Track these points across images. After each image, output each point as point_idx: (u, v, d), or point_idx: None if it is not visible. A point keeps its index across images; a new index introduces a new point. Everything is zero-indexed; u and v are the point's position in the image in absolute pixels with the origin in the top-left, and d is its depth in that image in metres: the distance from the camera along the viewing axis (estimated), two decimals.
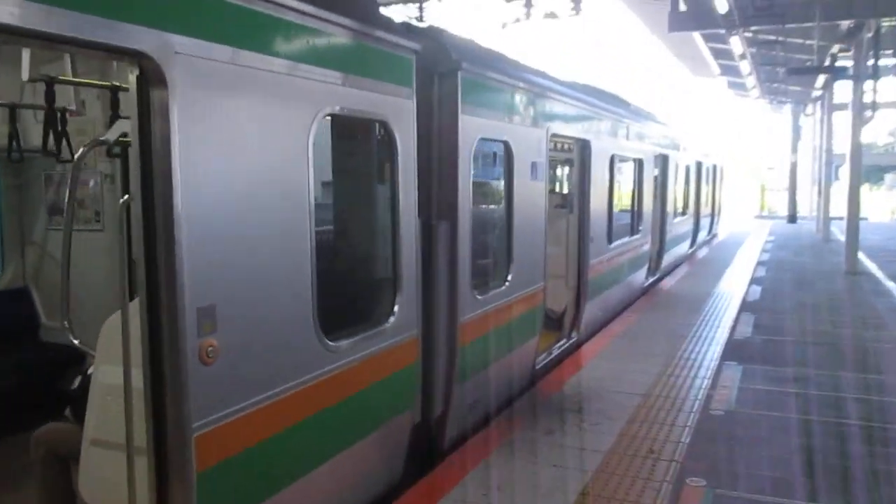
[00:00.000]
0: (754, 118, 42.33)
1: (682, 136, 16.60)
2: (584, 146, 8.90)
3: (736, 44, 19.72)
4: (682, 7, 14.67)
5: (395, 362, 4.70)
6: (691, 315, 10.64)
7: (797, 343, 9.04)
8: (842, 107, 24.78)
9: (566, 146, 10.31)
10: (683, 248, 17.80)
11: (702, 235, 21.26)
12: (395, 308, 4.70)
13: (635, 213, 12.12)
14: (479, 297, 5.86)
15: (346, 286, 4.84)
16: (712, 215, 23.86)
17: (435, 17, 15.24)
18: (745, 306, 11.43)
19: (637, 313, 10.81)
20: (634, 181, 12.02)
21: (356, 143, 4.92)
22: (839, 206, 25.68)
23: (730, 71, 25.07)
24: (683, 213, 17.55)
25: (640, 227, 12.20)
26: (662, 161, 14.46)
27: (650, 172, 12.83)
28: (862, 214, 17.28)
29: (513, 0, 14.47)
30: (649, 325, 9.95)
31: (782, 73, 21.52)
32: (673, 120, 16.13)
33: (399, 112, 4.62)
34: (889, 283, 13.94)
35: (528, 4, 14.32)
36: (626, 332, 9.51)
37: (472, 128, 5.63)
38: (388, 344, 4.58)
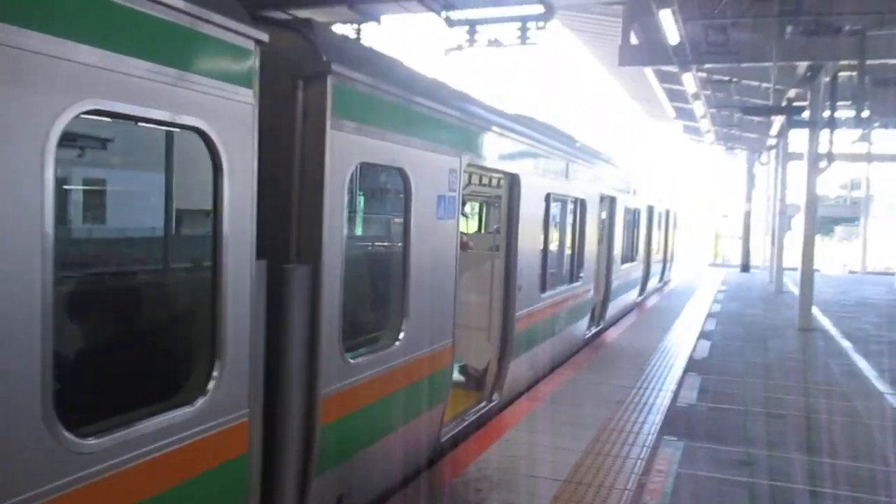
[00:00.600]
0: (709, 164, 42.23)
1: (633, 178, 15.74)
2: (513, 181, 7.82)
3: (689, 82, 19.05)
4: (634, 41, 13.86)
5: (207, 457, 3.45)
6: (631, 374, 9.54)
7: (746, 414, 7.98)
8: (797, 156, 24.42)
9: (495, 181, 9.25)
10: (632, 295, 16.85)
11: (653, 283, 20.42)
12: (211, 383, 3.46)
13: (576, 258, 11.08)
14: (352, 362, 4.65)
15: (114, 356, 3.58)
16: (664, 262, 23.09)
17: (375, 41, 14.25)
18: (692, 365, 10.40)
19: (572, 370, 9.68)
20: (576, 224, 11.00)
21: (146, 155, 3.72)
22: (792, 257, 25.28)
23: (685, 114, 24.54)
24: (632, 260, 16.64)
25: (582, 274, 11.15)
26: (610, 203, 13.52)
27: (595, 214, 11.84)
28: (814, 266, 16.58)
29: (455, 26, 13.51)
30: (583, 387, 8.82)
31: (737, 118, 21.00)
32: (625, 161, 15.29)
33: (227, 120, 3.44)
34: (843, 343, 13.09)
35: (472, 31, 13.37)
36: (555, 395, 8.35)
37: (349, 149, 4.48)
38: (192, 433, 3.33)
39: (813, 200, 14.89)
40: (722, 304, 18.53)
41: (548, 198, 9.07)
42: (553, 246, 9.89)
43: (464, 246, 8.10)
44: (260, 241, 3.74)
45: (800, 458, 6.48)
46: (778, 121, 22.25)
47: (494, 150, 7.15)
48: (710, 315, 16.15)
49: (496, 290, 7.86)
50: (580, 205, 11.00)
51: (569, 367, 9.90)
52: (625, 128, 41.13)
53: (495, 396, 7.84)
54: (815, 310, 15.47)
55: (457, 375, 8.69)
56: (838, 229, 59.10)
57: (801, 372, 10.38)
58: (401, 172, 5.21)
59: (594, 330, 12.94)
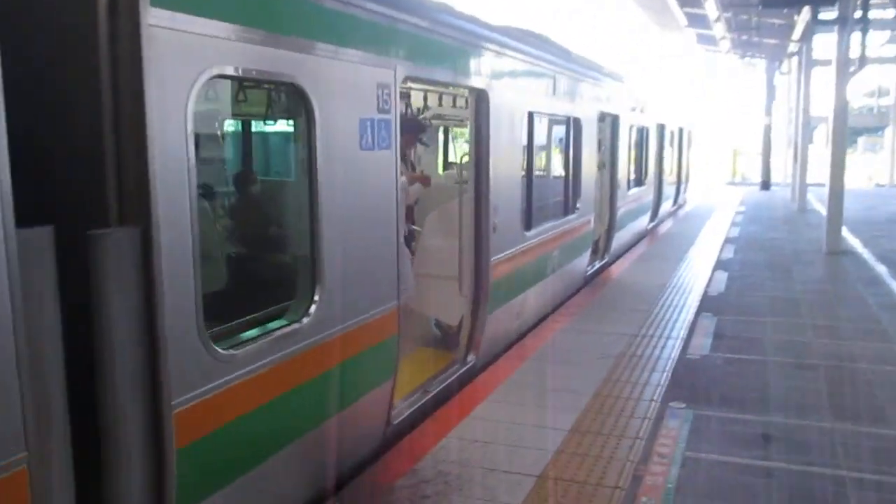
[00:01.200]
0: (727, 77, 39.94)
1: (640, 95, 14.12)
2: (480, 99, 6.40)
3: None
4: None
5: None
6: (636, 319, 8.27)
7: (770, 366, 6.70)
8: (822, 63, 22.44)
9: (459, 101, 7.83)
10: (642, 223, 15.43)
11: (665, 207, 18.94)
12: None
13: (572, 187, 9.67)
14: (227, 354, 3.40)
15: None
16: (678, 183, 21.55)
17: None
18: (707, 304, 9.09)
19: (566, 318, 8.42)
20: (569, 147, 9.55)
21: None
22: (815, 173, 23.66)
23: (697, 21, 22.48)
24: (641, 184, 15.16)
25: (579, 205, 9.77)
26: (612, 123, 12.00)
27: (593, 136, 10.36)
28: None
29: None
30: (576, 338, 7.57)
31: (755, 21, 19.08)
32: (631, 76, 13.66)
33: None
34: (879, 268, 11.69)
35: None
36: (543, 352, 7.11)
37: (188, 51, 3.11)
38: None
39: (843, 108, 13.24)
40: (741, 228, 17.07)
41: (530, 118, 7.64)
42: (540, 175, 8.52)
43: (424, 181, 6.75)
44: (43, 199, 2.46)
45: (839, 428, 5.22)
46: (801, 22, 20.27)
47: (450, 60, 5.71)
48: (727, 241, 14.74)
49: (466, 232, 6.54)
50: (574, 125, 9.54)
51: (563, 314, 8.64)
52: (634, 42, 38.61)
53: (470, 358, 6.62)
54: (843, 230, 14.01)
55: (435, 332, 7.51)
56: (861, 140, 56.60)
57: (832, 307, 9.05)
58: (294, 89, 3.83)
59: (597, 265, 11.64)
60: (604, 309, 8.87)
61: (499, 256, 6.79)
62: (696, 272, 11.25)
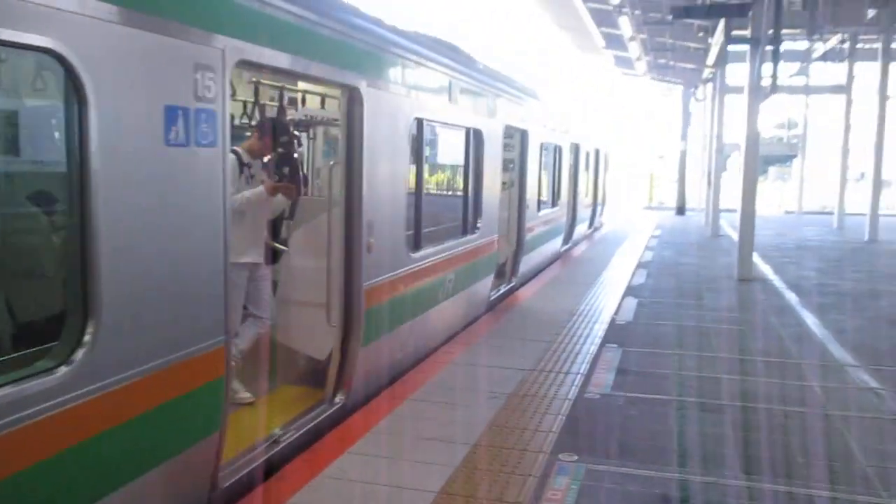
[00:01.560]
0: (644, 102, 40.45)
1: (554, 112, 13.58)
2: (352, 98, 5.53)
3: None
4: None
5: None
6: (535, 352, 7.51)
7: (674, 407, 6.01)
8: (735, 90, 22.61)
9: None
10: (555, 245, 14.86)
11: (580, 229, 18.52)
12: None
13: (471, 204, 8.90)
14: None
15: None
16: (594, 206, 21.23)
17: None
18: (613, 334, 8.43)
19: (459, 349, 7.60)
20: (469, 161, 8.79)
21: None
22: (729, 199, 23.80)
23: (614, 43, 22.35)
24: (554, 205, 14.59)
25: (480, 224, 9.00)
26: (521, 138, 11.36)
27: (496, 150, 9.64)
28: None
29: None
30: (465, 375, 6.74)
31: (670, 44, 18.97)
32: (544, 92, 13.10)
33: None
34: (789, 295, 11.36)
35: None
36: (423, 392, 6.23)
37: None
38: None
39: (754, 133, 12.99)
40: (654, 252, 16.75)
41: (419, 124, 6.83)
42: (432, 190, 7.72)
43: (287, 191, 5.83)
44: None
45: (751, 487, 4.51)
46: (716, 45, 20.31)
47: (311, 47, 4.83)
48: (640, 265, 14.30)
49: (335, 253, 5.64)
50: (475, 137, 8.79)
51: (458, 343, 7.82)
52: (552, 62, 38.50)
53: (339, 398, 5.70)
54: (754, 256, 13.74)
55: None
56: (772, 170, 58.60)
57: (743, 338, 8.52)
58: (58, 59, 2.87)
59: (504, 289, 10.91)
60: (503, 338, 8.09)
61: (375, 281, 5.92)
62: (606, 298, 10.64)
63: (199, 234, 3.75)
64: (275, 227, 6.22)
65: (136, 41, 3.24)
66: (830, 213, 30.98)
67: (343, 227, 5.58)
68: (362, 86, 5.50)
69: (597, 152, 20.86)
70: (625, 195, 35.70)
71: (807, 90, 28.22)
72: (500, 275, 10.95)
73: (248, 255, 5.56)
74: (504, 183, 10.70)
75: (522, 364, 7.03)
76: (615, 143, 27.31)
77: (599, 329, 8.65)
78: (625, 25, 18.05)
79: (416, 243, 6.95)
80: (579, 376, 6.71)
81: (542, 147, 12.68)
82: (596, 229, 22.11)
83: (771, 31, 12.53)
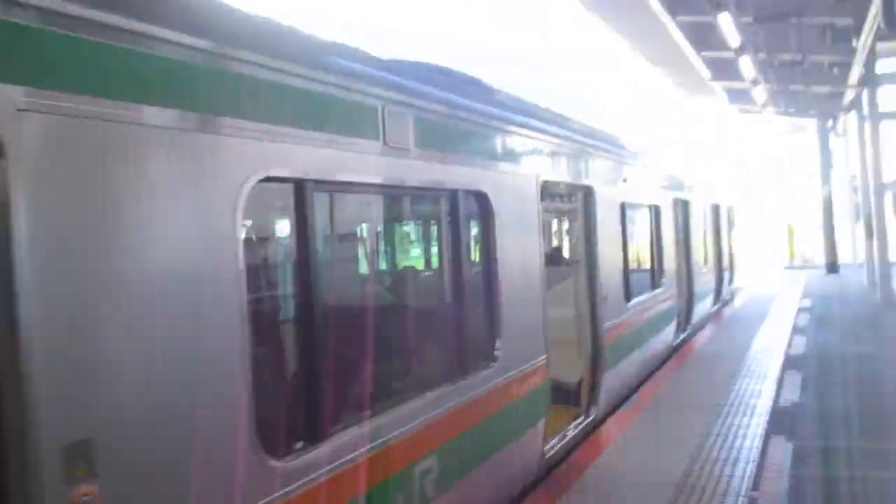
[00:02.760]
0: (774, 145, 35.17)
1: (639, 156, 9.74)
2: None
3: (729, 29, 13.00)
4: None
5: None
6: None
7: None
8: (890, 116, 17.83)
9: None
10: (660, 341, 10.68)
11: (701, 308, 14.09)
12: None
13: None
14: None
15: None
16: (719, 274, 16.68)
17: None
18: None
19: None
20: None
21: None
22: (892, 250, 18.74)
23: (725, 71, 18.14)
24: (655, 287, 10.51)
25: (498, 352, 5.26)
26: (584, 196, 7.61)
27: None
28: None
29: None
30: None
31: (800, 64, 14.72)
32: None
33: None
34: None
35: None
36: None
37: None
38: None
39: None
40: (807, 337, 12.07)
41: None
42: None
43: None
44: None
45: None
46: (858, 66, 15.82)
47: None
48: (788, 364, 9.85)
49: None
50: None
51: None
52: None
53: None
54: None
55: None
56: None
57: None
58: None
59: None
60: None
61: None
62: (737, 447, 6.47)
63: None
64: None
65: None
66: None
67: None
68: None
69: (715, 208, 16.57)
70: (760, 254, 30.36)
71: None
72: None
73: None
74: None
75: None
76: (739, 194, 22.73)
77: None
78: (744, 63, 13.87)
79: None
80: None
81: (624, 208, 8.83)
82: (726, 303, 17.55)
83: None
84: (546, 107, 6.86)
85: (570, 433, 6.95)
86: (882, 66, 17.39)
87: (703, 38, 15.47)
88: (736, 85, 19.05)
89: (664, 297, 10.86)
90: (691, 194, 13.36)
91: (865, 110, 17.43)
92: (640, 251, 10.28)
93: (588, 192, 7.59)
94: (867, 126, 17.62)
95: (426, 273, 5.56)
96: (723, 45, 14.59)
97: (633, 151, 9.58)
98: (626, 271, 9.02)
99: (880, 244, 16.75)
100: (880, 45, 15.87)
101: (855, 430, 6.74)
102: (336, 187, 3.91)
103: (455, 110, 4.89)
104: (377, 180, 4.11)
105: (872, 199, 17.38)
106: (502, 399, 5.34)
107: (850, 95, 19.01)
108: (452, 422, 4.62)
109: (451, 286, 5.00)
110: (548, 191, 8.47)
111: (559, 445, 6.59)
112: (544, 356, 6.10)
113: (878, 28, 10.90)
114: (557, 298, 8.08)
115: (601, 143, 8.07)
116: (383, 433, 3.90)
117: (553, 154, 6.51)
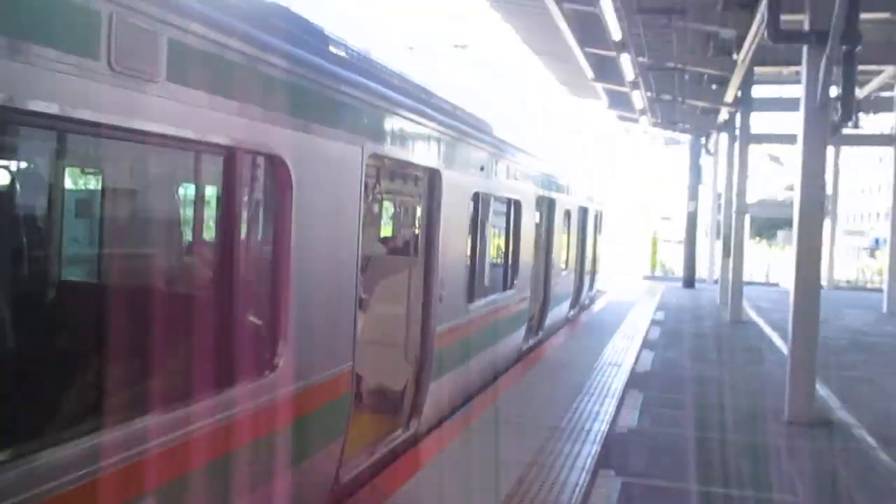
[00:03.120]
0: (647, 156, 35.94)
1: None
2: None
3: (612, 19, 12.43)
4: None
5: None
6: None
7: None
8: (760, 138, 18.09)
9: None
10: (511, 343, 9.94)
11: (556, 315, 13.56)
12: None
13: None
14: None
15: None
16: (579, 280, 16.33)
17: None
18: None
19: None
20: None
21: None
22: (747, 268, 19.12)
23: (607, 72, 17.80)
24: (506, 288, 9.74)
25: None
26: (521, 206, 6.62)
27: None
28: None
29: None
30: None
31: (679, 80, 14.46)
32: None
33: None
34: (882, 457, 6.44)
35: None
36: None
37: None
38: None
39: (817, 182, 8.23)
40: (655, 353, 11.73)
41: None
42: None
43: None
44: None
45: None
46: (734, 88, 15.78)
47: None
48: (631, 383, 9.30)
49: None
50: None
51: None
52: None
53: None
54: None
55: None
56: (781, 234, 53.72)
57: None
58: None
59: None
60: None
61: None
62: (557, 483, 5.72)
63: None
64: None
65: None
66: (871, 290, 26.24)
67: None
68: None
69: (583, 211, 16.16)
70: (625, 262, 30.77)
71: (837, 141, 23.55)
72: None
73: None
74: None
75: None
76: (610, 200, 22.70)
77: None
78: (625, 64, 13.45)
79: None
80: None
81: (478, 199, 7.94)
82: (584, 308, 17.26)
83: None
84: (384, 60, 5.77)
85: (380, 451, 5.98)
86: (758, 92, 17.60)
87: (590, 31, 14.91)
88: (616, 87, 18.75)
89: (516, 300, 10.10)
90: (559, 194, 12.76)
91: (737, 131, 17.57)
92: (493, 248, 9.47)
93: (434, 176, 6.61)
94: (737, 147, 17.78)
95: (170, 253, 4.40)
96: (606, 45, 14.11)
97: (496, 139, 8.72)
98: (474, 269, 8.17)
99: (736, 263, 16.93)
100: (758, 70, 15.97)
101: (687, 467, 6.15)
102: (20, 120, 2.69)
103: (243, 38, 3.70)
104: (89, 117, 2.85)
105: (734, 218, 17.58)
106: (284, 416, 4.27)
107: (724, 115, 19.16)
108: (196, 449, 3.51)
109: (215, 273, 3.84)
110: (386, 169, 7.43)
111: (363, 466, 5.61)
112: (350, 363, 5.08)
113: (762, 37, 10.53)
114: (390, 294, 7.12)
115: (456, 121, 7.11)
116: (67, 470, 2.73)
117: (388, 123, 5.46)
